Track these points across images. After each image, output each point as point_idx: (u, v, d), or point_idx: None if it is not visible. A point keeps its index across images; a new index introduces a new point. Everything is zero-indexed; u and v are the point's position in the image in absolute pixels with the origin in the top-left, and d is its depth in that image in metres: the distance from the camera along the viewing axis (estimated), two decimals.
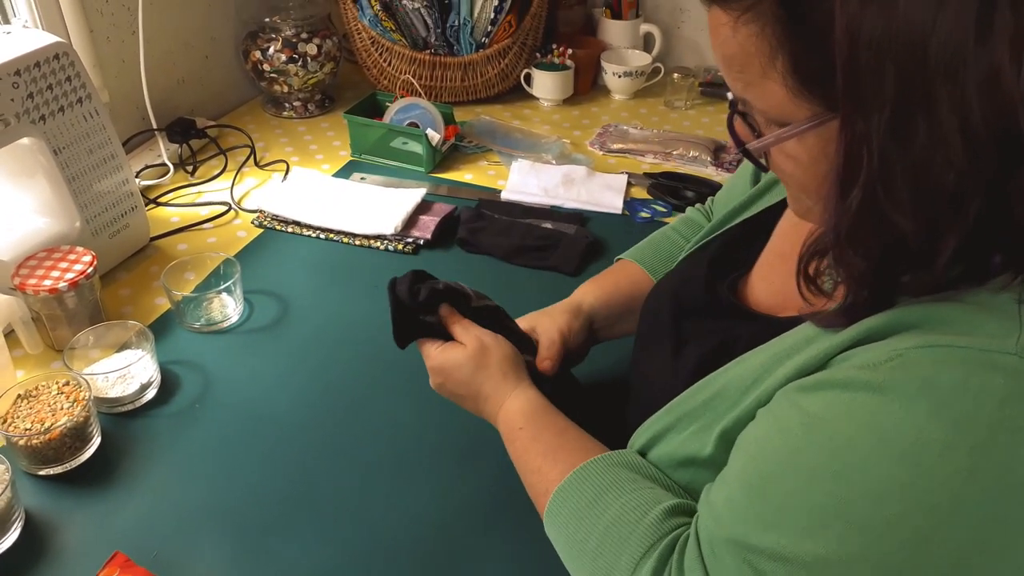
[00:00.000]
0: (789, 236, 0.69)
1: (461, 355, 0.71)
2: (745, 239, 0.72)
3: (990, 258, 0.44)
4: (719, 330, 0.64)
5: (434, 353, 0.73)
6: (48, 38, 0.96)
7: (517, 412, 0.68)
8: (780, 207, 0.71)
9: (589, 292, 0.86)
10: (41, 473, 0.78)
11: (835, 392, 0.46)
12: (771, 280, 0.67)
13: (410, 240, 1.15)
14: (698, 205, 0.95)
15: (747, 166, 0.82)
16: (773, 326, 0.58)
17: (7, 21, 1.14)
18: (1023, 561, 0.42)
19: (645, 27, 1.66)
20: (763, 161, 0.54)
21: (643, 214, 1.23)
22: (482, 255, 1.13)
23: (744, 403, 0.54)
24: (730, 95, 0.54)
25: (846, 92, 0.42)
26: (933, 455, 0.41)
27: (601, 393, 0.89)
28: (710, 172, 1.35)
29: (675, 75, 1.58)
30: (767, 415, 0.51)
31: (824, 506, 0.44)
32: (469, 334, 0.72)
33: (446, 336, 0.74)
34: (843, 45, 0.41)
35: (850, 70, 0.41)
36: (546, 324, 0.80)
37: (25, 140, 0.95)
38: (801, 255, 0.52)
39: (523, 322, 0.80)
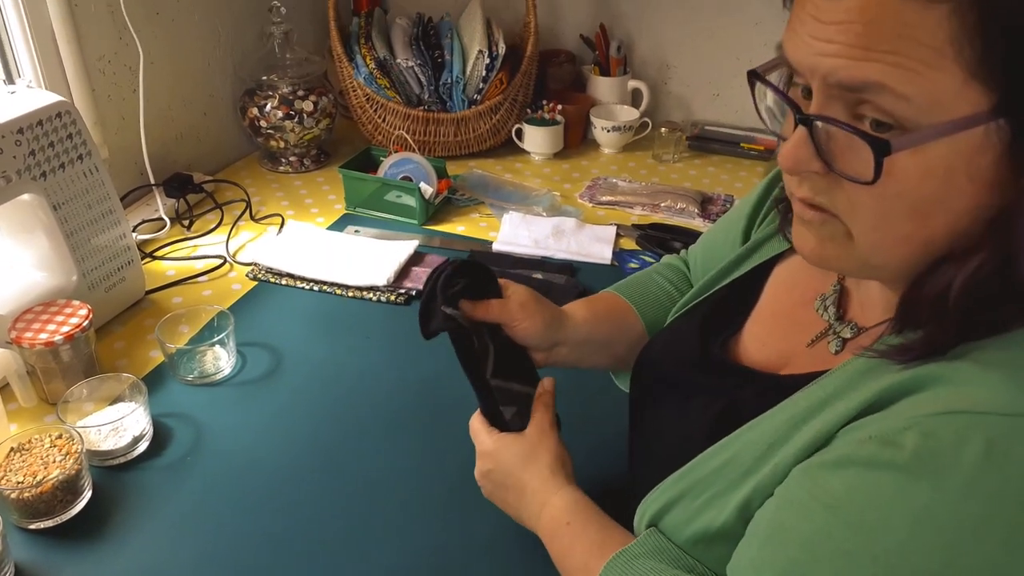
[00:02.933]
0: (781, 296, 0.68)
1: (515, 444, 0.71)
2: (735, 299, 0.72)
3: None
4: (722, 390, 0.64)
5: (486, 439, 0.72)
6: (51, 97, 0.99)
7: (563, 509, 0.67)
8: (767, 266, 0.71)
9: (581, 310, 0.82)
10: (32, 527, 0.78)
11: (857, 471, 0.45)
12: (764, 340, 0.67)
13: (403, 291, 1.16)
14: (674, 256, 0.94)
15: (729, 224, 0.81)
16: (780, 385, 0.57)
17: (11, 81, 1.18)
18: None
19: (633, 83, 1.70)
20: (881, 169, 0.45)
21: (632, 265, 1.25)
22: None
23: (762, 470, 0.53)
24: (788, 100, 0.49)
25: None
26: (970, 533, 0.41)
27: (601, 456, 0.87)
28: (697, 223, 1.38)
29: (663, 129, 1.62)
30: (785, 497, 0.50)
31: None
32: (537, 423, 0.72)
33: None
34: None
35: None
36: (520, 295, 0.76)
37: (26, 196, 0.97)
38: (959, 292, 0.47)
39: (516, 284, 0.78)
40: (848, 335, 0.59)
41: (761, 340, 0.67)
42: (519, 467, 0.70)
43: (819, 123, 0.46)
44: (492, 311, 0.73)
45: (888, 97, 0.43)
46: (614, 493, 0.73)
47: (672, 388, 0.69)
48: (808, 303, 0.64)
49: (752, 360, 0.66)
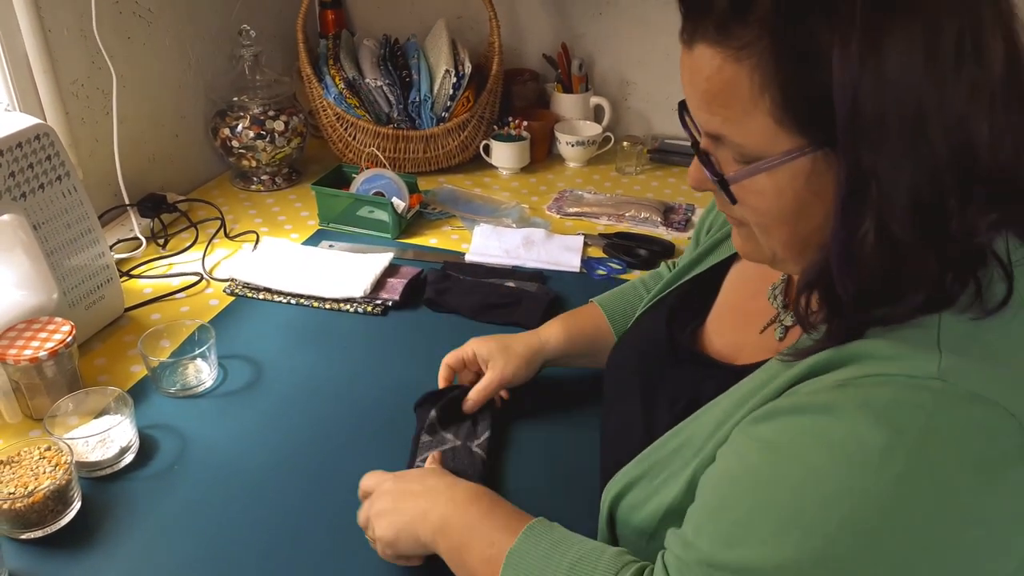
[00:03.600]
0: (737, 290, 0.75)
1: (409, 470, 0.79)
2: (697, 293, 0.79)
3: (945, 285, 0.49)
4: (686, 381, 0.69)
5: (375, 474, 0.79)
6: (29, 120, 1.01)
7: (467, 491, 0.71)
8: (725, 265, 0.78)
9: (557, 334, 0.95)
10: (23, 537, 0.80)
11: (787, 417, 0.51)
12: (723, 332, 0.73)
13: (379, 302, 1.20)
14: (670, 262, 1.03)
15: (694, 231, 0.89)
16: (735, 374, 0.62)
17: None
18: (963, 552, 0.47)
19: (595, 100, 1.77)
20: (732, 195, 0.56)
21: (600, 272, 1.30)
22: (449, 314, 1.19)
23: (708, 447, 0.58)
24: (690, 134, 0.58)
25: (850, 130, 0.46)
26: (874, 459, 0.46)
27: (573, 444, 0.93)
28: (661, 232, 1.44)
29: (624, 143, 1.68)
30: (725, 449, 0.56)
31: (782, 517, 0.49)
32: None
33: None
34: (845, 95, 0.45)
35: (853, 113, 0.46)
36: (497, 364, 0.92)
37: (6, 216, 0.99)
38: (798, 290, 0.55)
39: (481, 344, 0.92)
40: (789, 323, 0.65)
41: (720, 332, 0.73)
42: (420, 475, 0.76)
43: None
44: (491, 387, 0.91)
45: (731, 142, 0.53)
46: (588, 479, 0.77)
47: (640, 382, 0.75)
48: (762, 294, 0.71)
49: (713, 349, 0.72)
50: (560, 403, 0.99)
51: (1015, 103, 0.47)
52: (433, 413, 0.91)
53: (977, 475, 0.46)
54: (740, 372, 0.63)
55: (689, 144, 0.59)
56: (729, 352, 0.70)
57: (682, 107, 0.58)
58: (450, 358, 0.96)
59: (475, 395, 0.91)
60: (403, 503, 0.73)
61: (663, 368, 0.73)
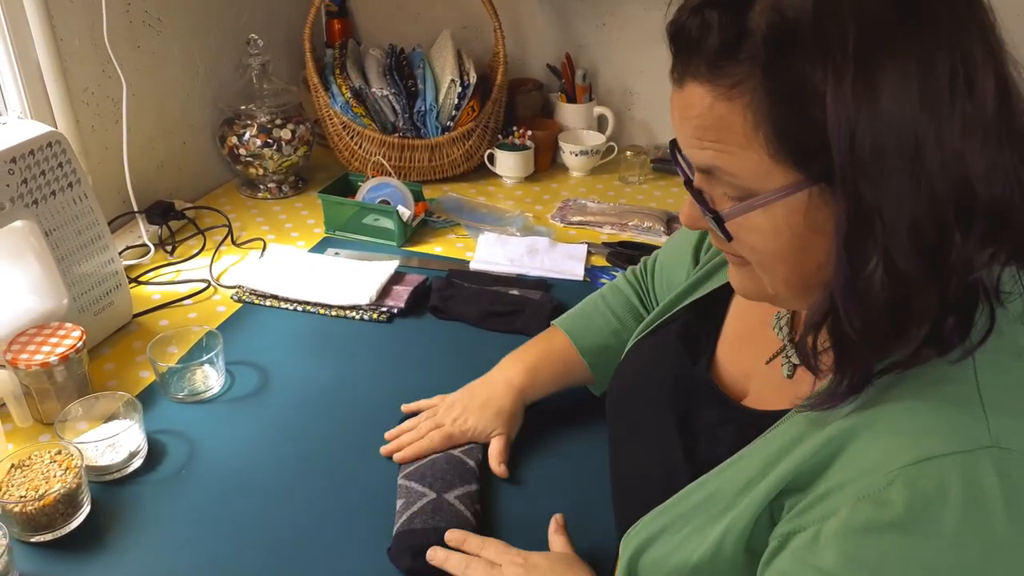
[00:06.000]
0: (743, 316, 0.73)
1: (548, 557, 0.74)
2: (699, 321, 0.76)
3: (946, 321, 0.49)
4: (702, 421, 0.67)
5: (512, 551, 0.75)
6: (41, 128, 1.03)
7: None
8: (727, 289, 0.75)
9: (527, 377, 0.96)
10: (33, 540, 0.81)
11: (859, 537, 0.48)
12: (733, 360, 0.71)
13: (384, 309, 1.21)
14: (629, 272, 1.01)
15: (680, 246, 0.87)
16: (753, 419, 0.61)
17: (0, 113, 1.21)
18: None
19: (598, 110, 1.78)
20: (728, 233, 0.55)
21: (603, 280, 1.31)
22: (453, 321, 1.20)
23: (740, 504, 0.56)
24: (683, 171, 0.57)
25: (850, 166, 0.46)
26: (978, 567, 0.45)
27: (582, 482, 0.91)
28: (663, 241, 1.45)
29: (628, 153, 1.70)
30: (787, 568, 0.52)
31: None
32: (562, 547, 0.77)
33: None
34: (842, 132, 0.45)
35: (851, 150, 0.45)
36: (501, 432, 0.93)
37: (18, 223, 1.00)
38: (804, 330, 0.54)
39: (467, 416, 0.94)
40: (797, 360, 0.63)
41: (733, 362, 0.72)
42: (562, 569, 0.72)
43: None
44: (504, 452, 0.91)
45: (724, 175, 0.52)
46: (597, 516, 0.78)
47: (652, 419, 0.73)
48: (767, 323, 0.69)
49: (724, 382, 0.71)
50: (559, 430, 1.00)
51: (1007, 138, 0.48)
52: (400, 480, 0.89)
53: None
54: (758, 418, 0.61)
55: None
56: (738, 383, 0.69)
57: (673, 145, 0.58)
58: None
59: (501, 466, 0.91)
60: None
61: (676, 404, 0.71)
